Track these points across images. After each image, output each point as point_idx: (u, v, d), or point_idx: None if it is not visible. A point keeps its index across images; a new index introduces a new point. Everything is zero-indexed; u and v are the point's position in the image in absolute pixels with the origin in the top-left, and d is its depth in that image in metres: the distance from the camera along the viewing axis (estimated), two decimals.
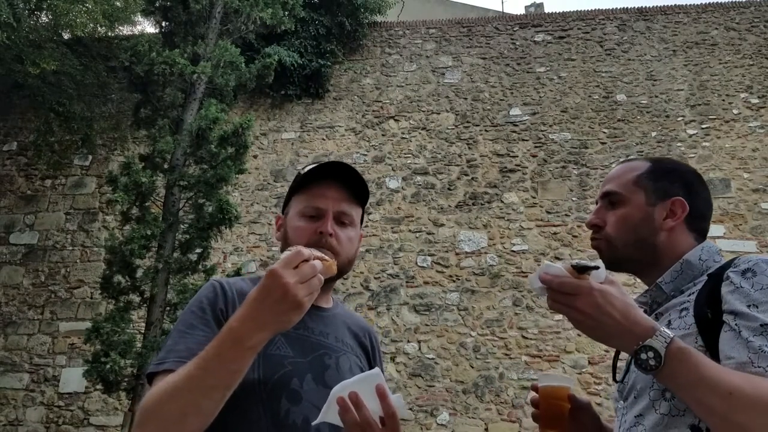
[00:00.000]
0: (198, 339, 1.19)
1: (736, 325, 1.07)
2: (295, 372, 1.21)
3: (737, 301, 1.09)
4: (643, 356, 1.03)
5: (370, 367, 1.45)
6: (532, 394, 1.39)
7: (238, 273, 7.05)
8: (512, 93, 9.93)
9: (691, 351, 1.03)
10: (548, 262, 1.10)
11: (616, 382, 1.34)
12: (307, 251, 1.08)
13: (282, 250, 1.38)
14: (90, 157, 10.21)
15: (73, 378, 8.55)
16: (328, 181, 1.39)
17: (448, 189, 9.32)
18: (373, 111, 10.11)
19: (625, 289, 1.10)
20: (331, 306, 1.45)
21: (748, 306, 1.07)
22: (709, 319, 1.12)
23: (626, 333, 1.05)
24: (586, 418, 1.38)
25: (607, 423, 1.41)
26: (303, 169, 1.46)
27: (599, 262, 1.09)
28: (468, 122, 9.78)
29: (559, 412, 1.33)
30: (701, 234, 1.34)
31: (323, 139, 9.98)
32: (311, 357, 1.26)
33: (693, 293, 1.21)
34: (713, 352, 1.09)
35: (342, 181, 1.40)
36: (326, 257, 1.16)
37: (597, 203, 1.41)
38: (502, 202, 9.13)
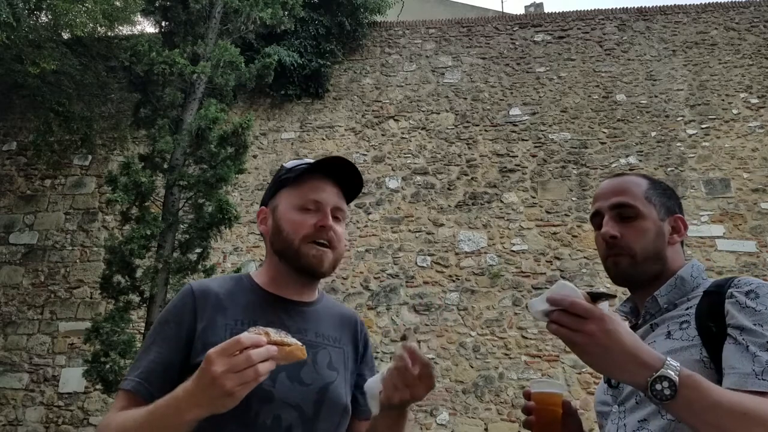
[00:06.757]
0: (153, 357, 1.28)
1: (743, 339, 1.16)
2: None
3: (744, 319, 1.18)
4: (658, 386, 1.03)
5: (355, 356, 1.45)
6: (525, 401, 1.39)
7: (237, 273, 7.04)
8: (512, 93, 9.93)
9: (697, 377, 1.05)
10: (564, 281, 1.09)
11: (611, 387, 1.37)
12: (251, 339, 1.03)
13: (272, 244, 1.40)
14: (90, 157, 10.20)
15: (72, 378, 8.55)
16: (322, 176, 1.40)
17: (448, 189, 9.32)
18: (373, 111, 10.11)
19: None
20: (314, 299, 1.44)
21: (754, 324, 1.17)
22: (714, 333, 1.21)
23: (638, 363, 1.04)
24: (575, 426, 1.41)
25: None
26: (289, 163, 1.46)
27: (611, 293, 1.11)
28: (468, 122, 9.78)
29: (553, 418, 1.35)
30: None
31: (323, 139, 9.98)
32: None
33: (690, 308, 1.29)
34: (716, 362, 1.18)
35: (334, 176, 1.41)
36: (288, 341, 1.07)
37: (598, 214, 1.41)
38: (501, 202, 9.12)
